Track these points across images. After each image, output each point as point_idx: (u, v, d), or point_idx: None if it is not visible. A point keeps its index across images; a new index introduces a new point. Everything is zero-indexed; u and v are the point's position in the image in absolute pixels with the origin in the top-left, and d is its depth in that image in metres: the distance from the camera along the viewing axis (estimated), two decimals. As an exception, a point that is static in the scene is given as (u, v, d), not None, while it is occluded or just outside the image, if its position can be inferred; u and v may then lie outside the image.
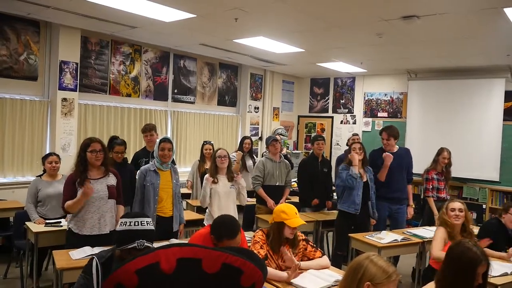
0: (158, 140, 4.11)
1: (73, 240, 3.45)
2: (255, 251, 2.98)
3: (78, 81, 6.14)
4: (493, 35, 5.42)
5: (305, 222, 3.03)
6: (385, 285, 1.85)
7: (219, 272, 1.16)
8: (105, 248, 3.26)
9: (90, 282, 2.31)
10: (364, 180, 4.73)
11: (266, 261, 2.97)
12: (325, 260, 3.19)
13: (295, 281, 2.81)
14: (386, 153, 5.05)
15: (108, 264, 2.34)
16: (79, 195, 3.37)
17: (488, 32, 5.31)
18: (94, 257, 2.35)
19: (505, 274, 3.23)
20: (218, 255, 1.16)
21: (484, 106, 7.67)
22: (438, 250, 3.44)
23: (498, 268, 3.28)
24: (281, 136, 8.42)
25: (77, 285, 2.38)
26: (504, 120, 7.52)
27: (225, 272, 1.16)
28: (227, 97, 8.91)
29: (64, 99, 5.98)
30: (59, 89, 5.92)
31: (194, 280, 1.16)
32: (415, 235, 4.39)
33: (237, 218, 4.33)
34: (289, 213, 3.01)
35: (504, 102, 7.53)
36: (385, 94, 9.21)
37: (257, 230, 3.19)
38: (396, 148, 5.26)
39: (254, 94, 9.22)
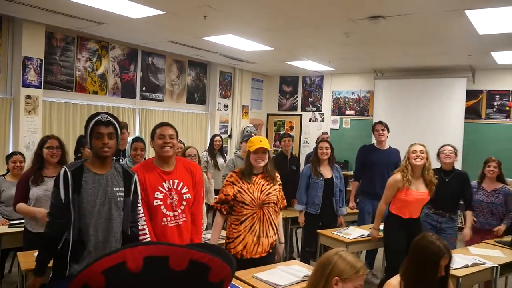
0: (130, 139, 4.07)
1: (28, 237, 3.45)
2: (223, 194, 3.12)
3: (42, 78, 5.98)
4: (455, 36, 5.60)
5: (267, 146, 3.15)
6: (353, 280, 1.90)
7: (187, 269, 1.15)
8: None
9: (56, 193, 2.33)
10: (328, 177, 4.77)
11: (240, 194, 3.10)
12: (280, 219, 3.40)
13: (264, 277, 2.84)
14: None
15: (79, 173, 2.35)
16: (37, 211, 3.37)
17: (450, 33, 5.49)
18: (64, 167, 2.37)
19: (466, 266, 3.36)
20: (185, 251, 1.15)
21: (447, 105, 7.93)
22: (383, 204, 3.98)
23: (459, 260, 3.40)
24: (250, 133, 8.44)
25: (51, 200, 2.40)
26: (465, 118, 7.81)
27: (193, 269, 1.16)
28: (196, 95, 8.87)
29: (28, 96, 5.82)
30: (22, 86, 5.75)
31: (162, 278, 1.15)
32: (381, 230, 4.49)
33: (206, 217, 4.35)
34: (253, 141, 3.17)
35: (466, 101, 7.82)
36: (353, 93, 9.38)
37: (229, 173, 3.32)
38: (387, 146, 5.35)
39: (223, 92, 9.21)
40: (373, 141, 7.99)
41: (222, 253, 1.22)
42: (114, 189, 2.43)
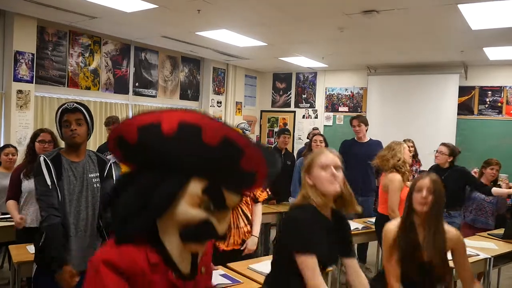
0: None
1: (20, 232, 3.48)
2: None
3: (34, 73, 5.92)
4: (448, 31, 5.63)
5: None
6: (315, 165, 1.96)
7: (219, 146, 1.11)
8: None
9: (42, 180, 2.30)
10: None
11: None
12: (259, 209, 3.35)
13: (258, 268, 2.83)
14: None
15: (57, 160, 2.34)
16: (17, 217, 3.42)
17: (443, 28, 5.51)
18: (41, 156, 2.36)
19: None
20: (219, 126, 1.12)
21: (440, 101, 7.97)
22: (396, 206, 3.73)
23: (453, 252, 3.43)
24: (244, 130, 8.43)
25: (37, 191, 2.33)
26: (458, 114, 7.86)
27: (225, 148, 1.11)
28: (190, 91, 8.84)
29: (20, 91, 5.76)
30: (14, 81, 5.70)
31: (192, 148, 1.12)
32: (372, 222, 4.51)
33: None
34: None
35: (458, 97, 7.86)
36: (346, 89, 9.39)
37: None
38: (367, 138, 5.34)
39: (216, 89, 9.19)
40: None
41: (264, 149, 1.16)
42: (90, 175, 2.45)
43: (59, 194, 2.30)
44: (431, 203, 2.32)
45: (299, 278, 1.80)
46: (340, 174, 1.90)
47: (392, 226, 2.45)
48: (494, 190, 4.29)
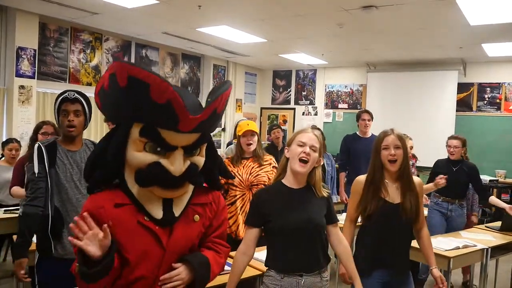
0: None
1: None
2: None
3: (36, 68, 5.97)
4: (446, 27, 5.67)
5: (254, 128, 3.25)
6: (293, 141, 2.08)
7: (128, 85, 1.22)
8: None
9: (31, 167, 2.34)
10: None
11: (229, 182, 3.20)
12: None
13: (257, 256, 2.86)
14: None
15: (53, 148, 2.36)
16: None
17: (442, 24, 5.55)
18: (37, 143, 2.39)
19: (457, 248, 3.42)
20: (123, 66, 1.23)
21: (439, 98, 8.01)
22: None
23: (450, 243, 3.47)
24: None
25: (26, 176, 2.36)
26: (456, 110, 7.90)
27: (133, 85, 1.22)
28: (190, 88, 8.88)
29: (22, 87, 5.81)
30: (16, 76, 5.75)
31: (116, 94, 1.26)
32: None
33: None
34: (241, 125, 3.27)
35: (457, 94, 7.90)
36: (345, 86, 9.44)
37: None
38: (370, 134, 5.36)
39: (217, 85, 9.20)
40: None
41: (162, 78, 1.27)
42: None
43: (50, 182, 2.30)
44: (402, 158, 2.45)
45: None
46: (314, 154, 2.01)
47: (362, 178, 2.60)
48: (492, 198, 4.21)
